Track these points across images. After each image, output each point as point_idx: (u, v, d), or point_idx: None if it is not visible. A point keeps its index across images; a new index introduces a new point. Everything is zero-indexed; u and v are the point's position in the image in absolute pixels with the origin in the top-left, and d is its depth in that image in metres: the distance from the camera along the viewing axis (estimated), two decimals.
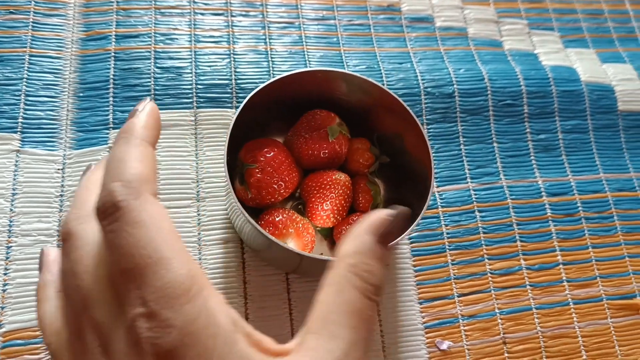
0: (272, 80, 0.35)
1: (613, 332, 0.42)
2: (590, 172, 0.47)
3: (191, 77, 0.43)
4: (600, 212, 0.45)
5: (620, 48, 0.53)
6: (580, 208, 0.45)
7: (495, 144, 0.46)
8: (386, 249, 0.22)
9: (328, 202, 0.37)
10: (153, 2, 0.45)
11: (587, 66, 0.50)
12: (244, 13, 0.46)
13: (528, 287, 0.42)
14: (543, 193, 0.45)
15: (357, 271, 0.21)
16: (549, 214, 0.44)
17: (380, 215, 0.22)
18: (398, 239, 0.31)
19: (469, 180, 0.44)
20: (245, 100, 0.34)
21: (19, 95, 0.40)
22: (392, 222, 0.22)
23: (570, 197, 0.45)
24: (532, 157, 0.46)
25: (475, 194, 0.44)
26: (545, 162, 0.46)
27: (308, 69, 0.37)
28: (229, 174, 0.33)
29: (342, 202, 0.38)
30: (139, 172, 0.19)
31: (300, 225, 0.36)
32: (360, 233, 0.22)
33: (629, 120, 0.49)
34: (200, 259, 0.38)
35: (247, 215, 0.31)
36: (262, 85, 0.35)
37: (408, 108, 0.36)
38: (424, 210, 0.34)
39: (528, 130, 0.47)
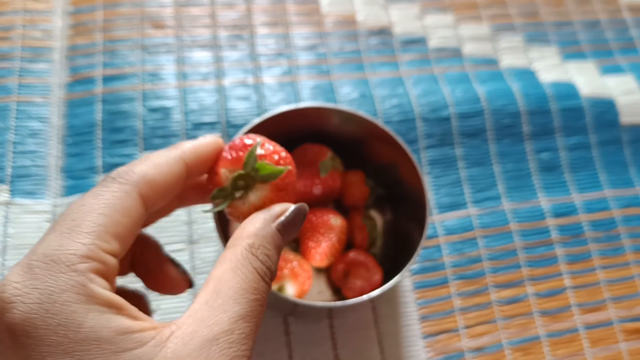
0: (260, 119, 0.34)
1: (627, 357, 0.40)
2: (595, 190, 0.45)
3: (180, 116, 0.42)
4: (607, 231, 0.44)
5: (620, 58, 0.52)
6: (585, 228, 0.44)
7: (495, 166, 0.45)
8: (283, 239, 0.23)
9: (323, 245, 0.36)
10: (139, 40, 0.44)
11: (586, 80, 0.49)
12: (231, 45, 0.46)
13: (536, 314, 0.40)
14: (547, 214, 0.44)
15: (256, 252, 0.21)
16: (554, 237, 0.43)
17: (282, 206, 0.23)
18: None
19: (470, 206, 0.43)
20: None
21: (6, 145, 0.39)
22: (292, 213, 0.23)
23: (575, 218, 0.44)
24: (534, 178, 0.45)
25: (478, 220, 0.42)
26: (548, 181, 0.45)
27: (298, 105, 0.36)
28: (219, 216, 0.32)
29: (337, 244, 0.37)
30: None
31: (295, 264, 0.35)
32: (263, 218, 0.22)
33: (632, 133, 0.48)
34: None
35: None
36: (250, 126, 0.34)
37: (398, 138, 0.35)
38: (422, 240, 0.33)
39: (529, 150, 0.46)
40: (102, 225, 0.19)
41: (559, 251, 0.43)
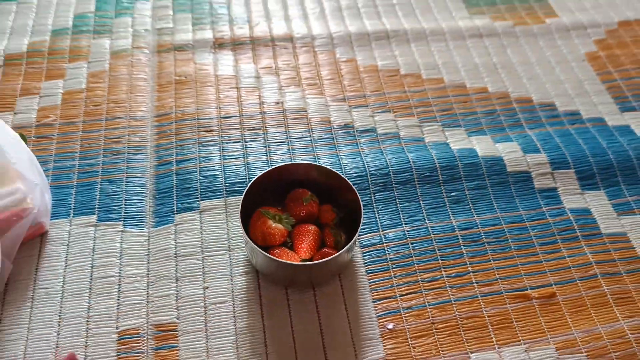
0: (268, 170, 0.61)
1: (511, 313, 0.62)
2: (490, 213, 0.69)
3: (222, 180, 0.69)
4: (497, 237, 0.67)
5: (509, 132, 0.78)
6: (483, 236, 0.67)
7: (421, 202, 0.70)
8: None
9: (305, 243, 0.61)
10: (197, 139, 0.74)
11: (483, 146, 0.75)
12: (253, 139, 0.74)
13: (448, 288, 0.63)
14: (456, 229, 0.68)
15: None
16: (460, 242, 0.67)
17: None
18: None
19: (403, 225, 0.67)
20: (247, 186, 0.60)
21: (121, 199, 0.67)
22: None
23: (476, 230, 0.68)
24: (447, 208, 0.69)
25: (408, 233, 0.67)
26: (457, 209, 0.69)
27: (291, 162, 0.62)
28: (245, 228, 0.58)
29: (314, 242, 0.62)
30: None
31: (290, 255, 0.60)
32: None
33: (515, 177, 0.73)
34: (232, 285, 0.61)
35: (259, 249, 0.55)
36: (263, 172, 0.61)
37: (353, 186, 0.61)
38: (354, 238, 0.57)
39: (443, 191, 0.71)
40: None
41: (464, 250, 0.66)
